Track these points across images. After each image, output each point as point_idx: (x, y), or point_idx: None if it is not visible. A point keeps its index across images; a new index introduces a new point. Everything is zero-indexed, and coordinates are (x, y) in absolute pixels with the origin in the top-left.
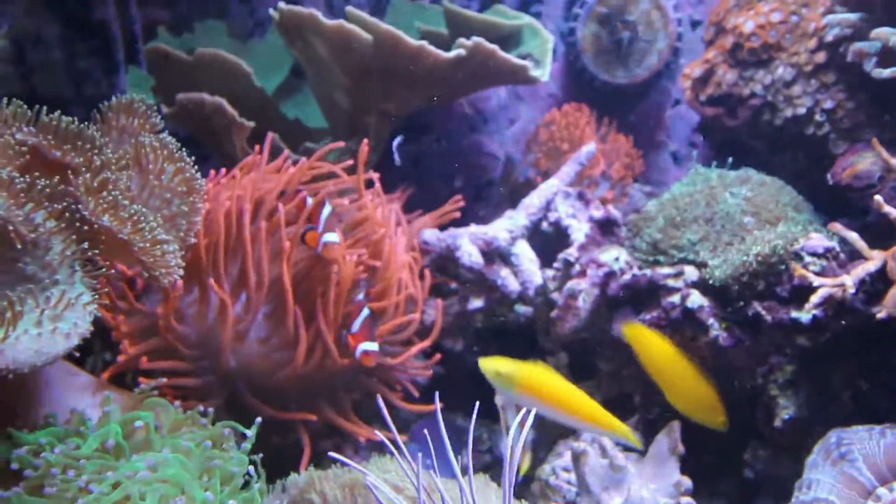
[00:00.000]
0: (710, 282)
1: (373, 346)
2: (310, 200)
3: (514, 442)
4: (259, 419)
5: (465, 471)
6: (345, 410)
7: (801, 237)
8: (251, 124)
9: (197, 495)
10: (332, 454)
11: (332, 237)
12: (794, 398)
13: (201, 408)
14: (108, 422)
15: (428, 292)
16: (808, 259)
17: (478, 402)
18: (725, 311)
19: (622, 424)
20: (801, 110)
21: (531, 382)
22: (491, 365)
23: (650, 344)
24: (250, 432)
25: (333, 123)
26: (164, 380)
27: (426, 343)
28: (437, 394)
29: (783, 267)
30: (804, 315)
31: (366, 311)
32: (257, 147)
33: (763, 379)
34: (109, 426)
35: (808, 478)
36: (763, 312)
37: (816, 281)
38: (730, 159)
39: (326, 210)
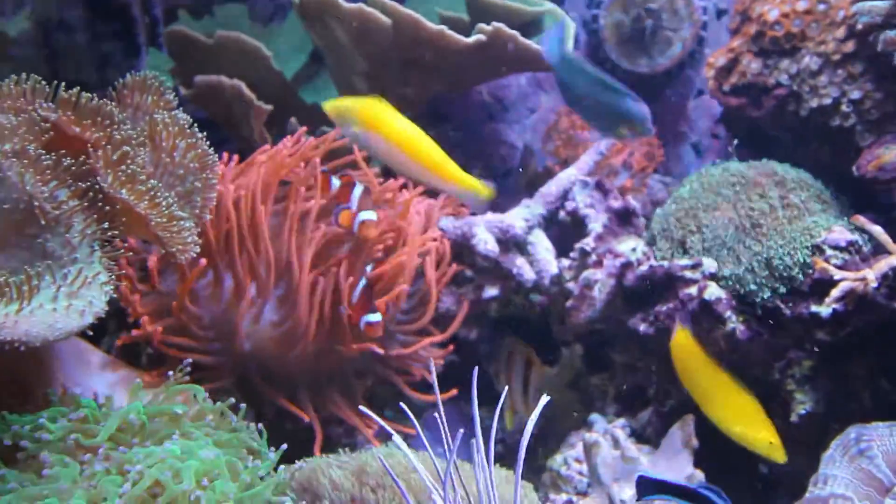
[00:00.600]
0: (725, 276)
1: (375, 317)
2: (336, 182)
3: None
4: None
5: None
6: (355, 397)
7: (824, 230)
8: (269, 107)
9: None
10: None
11: (370, 215)
12: (811, 393)
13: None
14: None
15: (446, 282)
16: (829, 252)
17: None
18: (744, 303)
19: (471, 178)
20: (827, 101)
21: (373, 119)
22: (332, 103)
23: (694, 361)
24: (274, 456)
25: None
26: (188, 362)
27: (441, 336)
28: (435, 385)
29: (804, 260)
30: (824, 309)
31: (362, 282)
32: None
33: (780, 373)
34: (131, 409)
35: (824, 473)
36: (782, 306)
37: (838, 274)
38: (731, 147)
39: (358, 189)
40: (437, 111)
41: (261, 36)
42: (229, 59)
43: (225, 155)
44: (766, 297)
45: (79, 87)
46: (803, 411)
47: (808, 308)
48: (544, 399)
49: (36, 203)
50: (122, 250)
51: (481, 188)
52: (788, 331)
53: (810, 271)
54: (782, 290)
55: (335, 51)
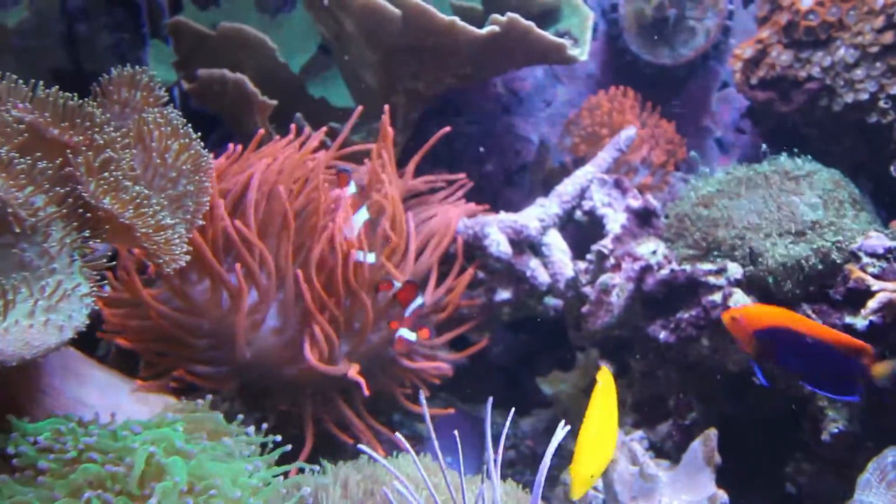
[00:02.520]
0: (750, 278)
1: (410, 336)
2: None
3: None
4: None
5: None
6: (357, 405)
7: (859, 236)
8: (273, 103)
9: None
10: (362, 447)
11: (369, 257)
12: (844, 411)
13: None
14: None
15: (459, 284)
16: (865, 260)
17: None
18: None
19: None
20: (864, 96)
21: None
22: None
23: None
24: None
25: (361, 103)
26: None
27: (455, 356)
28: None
29: (837, 268)
30: (860, 321)
31: (419, 300)
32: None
33: None
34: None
35: (859, 499)
36: (814, 316)
37: (875, 284)
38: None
39: (361, 217)
40: (450, 104)
41: (268, 27)
42: (233, 52)
43: (230, 146)
44: (794, 305)
45: (58, 88)
46: (836, 430)
47: (842, 319)
48: (562, 428)
49: (9, 209)
50: (105, 259)
51: None
52: None
53: (844, 280)
54: (814, 298)
55: (344, 43)
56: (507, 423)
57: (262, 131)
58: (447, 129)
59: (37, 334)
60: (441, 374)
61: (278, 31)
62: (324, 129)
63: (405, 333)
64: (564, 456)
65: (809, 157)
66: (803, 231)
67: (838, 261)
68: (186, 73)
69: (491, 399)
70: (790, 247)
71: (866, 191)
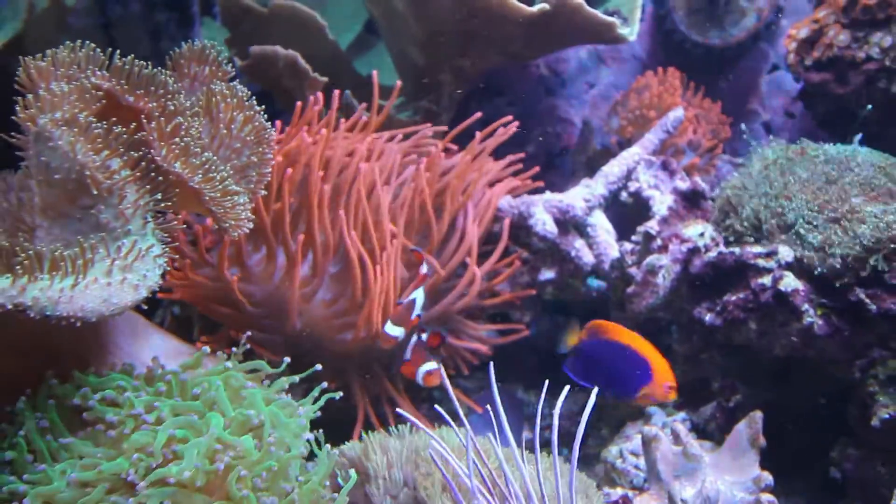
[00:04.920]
0: (807, 264)
1: (432, 366)
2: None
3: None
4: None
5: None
6: (398, 381)
7: None
8: (324, 79)
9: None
10: (401, 412)
11: (431, 366)
12: (895, 396)
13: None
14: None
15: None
16: None
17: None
18: (823, 296)
19: None
20: None
21: None
22: None
23: None
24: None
25: (406, 80)
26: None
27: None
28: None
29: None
30: None
31: (413, 338)
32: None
33: (861, 373)
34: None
35: None
36: (867, 301)
37: None
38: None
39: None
40: (493, 84)
41: (315, 5)
42: (284, 29)
43: (278, 124)
44: (847, 290)
45: (132, 56)
46: (886, 416)
47: None
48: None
49: (87, 172)
50: (176, 222)
51: None
52: (873, 327)
53: None
54: (868, 283)
55: (391, 19)
56: (542, 400)
57: (312, 99)
58: (478, 114)
59: (114, 292)
60: (481, 353)
61: (325, 8)
62: (364, 105)
63: (427, 368)
64: (603, 437)
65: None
66: (858, 213)
67: (892, 245)
68: (238, 50)
69: (547, 382)
70: (844, 230)
71: None
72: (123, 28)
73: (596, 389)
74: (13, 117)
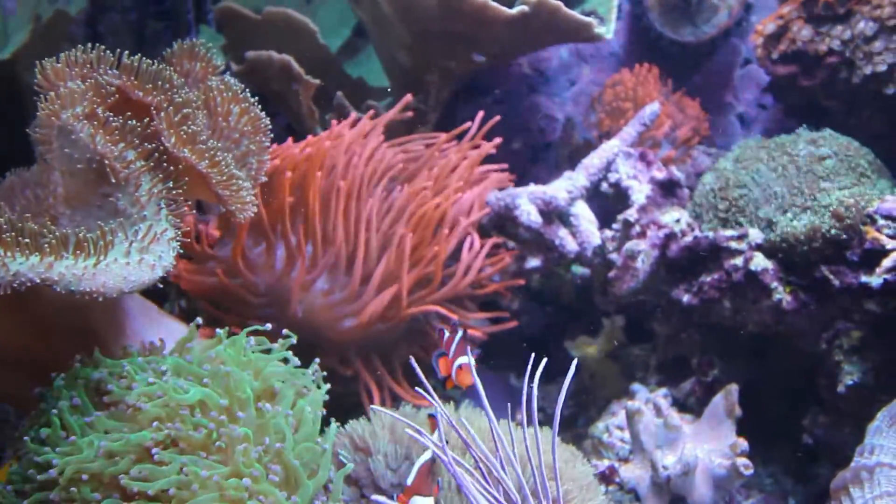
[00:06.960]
0: (775, 240)
1: (464, 360)
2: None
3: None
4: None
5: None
6: (395, 368)
7: (876, 199)
8: (317, 82)
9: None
10: (418, 390)
11: (464, 359)
12: (859, 364)
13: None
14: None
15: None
16: (881, 222)
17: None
18: (790, 274)
19: None
20: (882, 67)
21: None
22: None
23: None
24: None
25: (395, 82)
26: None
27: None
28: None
29: (854, 230)
30: (875, 279)
31: (459, 333)
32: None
33: (827, 344)
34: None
35: (870, 443)
36: (831, 276)
37: (889, 244)
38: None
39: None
40: (478, 83)
41: (304, 11)
42: (277, 35)
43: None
44: (812, 267)
45: (140, 55)
46: (850, 382)
47: (858, 278)
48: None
49: (107, 162)
50: (186, 209)
51: None
52: (837, 301)
53: (860, 241)
54: (831, 260)
55: (379, 24)
56: (536, 382)
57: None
58: (482, 112)
59: (133, 270)
60: (476, 339)
61: (314, 15)
62: (371, 112)
63: (462, 362)
64: (591, 418)
65: (828, 130)
66: (821, 196)
67: (853, 223)
68: (234, 56)
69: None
70: (806, 213)
71: (884, 159)
72: (122, 37)
73: (576, 361)
74: (36, 113)
